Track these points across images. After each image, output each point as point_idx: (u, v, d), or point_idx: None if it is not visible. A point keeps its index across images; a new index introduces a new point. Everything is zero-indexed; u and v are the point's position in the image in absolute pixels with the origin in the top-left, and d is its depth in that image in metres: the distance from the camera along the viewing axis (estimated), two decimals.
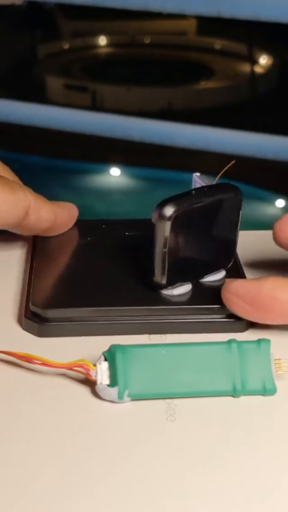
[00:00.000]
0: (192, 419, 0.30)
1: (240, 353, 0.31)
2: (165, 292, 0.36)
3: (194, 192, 0.35)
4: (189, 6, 1.51)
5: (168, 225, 0.34)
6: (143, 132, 1.58)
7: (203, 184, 0.37)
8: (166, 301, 0.36)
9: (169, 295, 0.36)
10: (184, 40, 1.75)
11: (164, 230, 0.34)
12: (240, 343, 0.32)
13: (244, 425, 0.30)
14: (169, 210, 0.33)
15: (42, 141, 1.63)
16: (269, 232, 0.40)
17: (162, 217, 0.33)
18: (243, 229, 0.41)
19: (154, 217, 0.34)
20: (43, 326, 0.35)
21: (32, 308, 0.35)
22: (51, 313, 0.35)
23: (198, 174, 0.38)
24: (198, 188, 0.35)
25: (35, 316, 0.35)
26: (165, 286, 0.36)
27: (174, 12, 1.54)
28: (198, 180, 0.37)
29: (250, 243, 0.42)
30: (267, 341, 0.32)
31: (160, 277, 0.35)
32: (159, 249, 0.34)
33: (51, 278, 0.37)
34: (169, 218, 0.33)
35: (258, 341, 0.32)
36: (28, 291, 0.36)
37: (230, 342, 0.32)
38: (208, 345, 0.32)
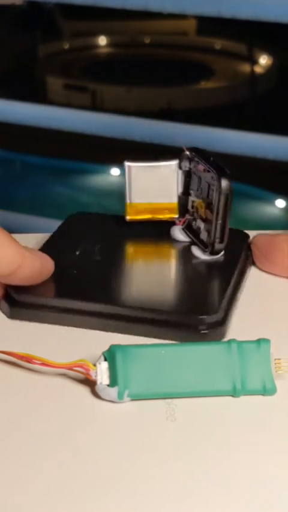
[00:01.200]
0: (192, 419, 0.30)
1: (240, 353, 0.31)
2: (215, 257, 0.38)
3: (211, 159, 0.37)
4: (189, 6, 1.51)
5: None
6: (143, 132, 1.58)
7: (140, 167, 0.39)
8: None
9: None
10: (184, 40, 1.75)
11: (229, 197, 0.36)
12: (240, 342, 0.32)
13: (244, 425, 0.30)
14: (227, 180, 0.36)
15: (42, 141, 1.62)
16: (269, 232, 0.40)
17: (228, 186, 0.36)
18: (243, 229, 0.41)
19: (224, 188, 0.36)
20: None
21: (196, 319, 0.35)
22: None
23: (128, 161, 0.39)
24: (213, 157, 0.38)
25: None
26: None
27: (174, 12, 1.54)
28: (133, 164, 0.39)
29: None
30: (267, 341, 0.32)
31: (224, 243, 0.37)
32: (227, 217, 0.36)
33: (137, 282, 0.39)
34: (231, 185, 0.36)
35: (258, 341, 0.32)
36: None
37: (229, 341, 0.32)
38: (208, 345, 0.32)
